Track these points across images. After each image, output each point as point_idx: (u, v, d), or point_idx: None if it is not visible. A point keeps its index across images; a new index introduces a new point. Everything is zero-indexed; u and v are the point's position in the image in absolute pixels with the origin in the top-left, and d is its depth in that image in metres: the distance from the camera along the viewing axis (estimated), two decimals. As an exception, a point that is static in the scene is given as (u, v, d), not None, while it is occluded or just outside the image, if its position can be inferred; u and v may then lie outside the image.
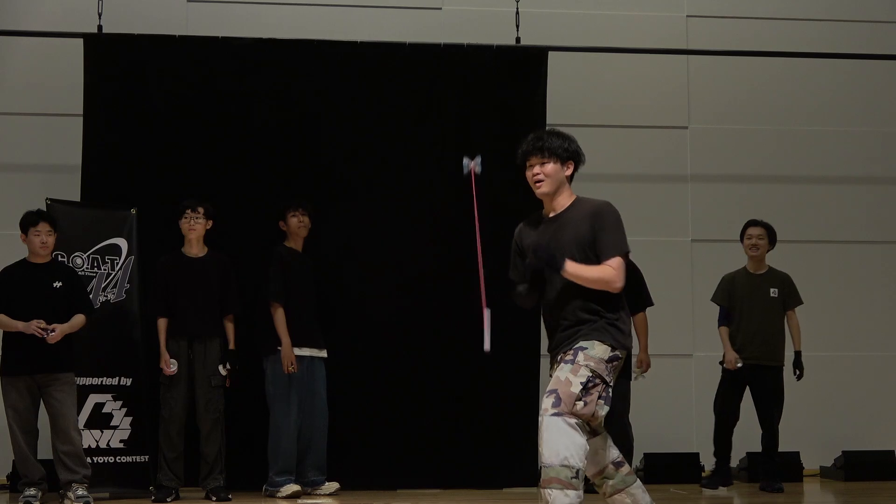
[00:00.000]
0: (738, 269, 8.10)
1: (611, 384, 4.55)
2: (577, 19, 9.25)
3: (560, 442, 4.39)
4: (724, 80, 9.42)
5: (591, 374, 4.47)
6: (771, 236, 8.01)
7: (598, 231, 4.63)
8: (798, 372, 7.86)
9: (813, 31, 9.48)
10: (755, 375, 7.84)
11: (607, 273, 4.57)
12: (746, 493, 7.82)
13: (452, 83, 8.36)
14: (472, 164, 4.82)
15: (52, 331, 6.79)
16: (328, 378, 7.63)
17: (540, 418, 4.48)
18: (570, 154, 4.76)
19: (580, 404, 4.43)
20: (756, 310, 7.88)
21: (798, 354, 7.87)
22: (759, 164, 9.44)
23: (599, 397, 4.48)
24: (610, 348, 4.55)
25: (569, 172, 4.78)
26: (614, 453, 4.70)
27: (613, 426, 7.77)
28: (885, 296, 9.43)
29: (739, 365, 7.85)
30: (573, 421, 4.41)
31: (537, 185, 4.76)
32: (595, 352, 4.52)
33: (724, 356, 7.90)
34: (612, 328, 4.60)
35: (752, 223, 8.04)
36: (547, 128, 4.88)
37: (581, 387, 4.44)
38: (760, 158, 9.45)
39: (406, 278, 8.12)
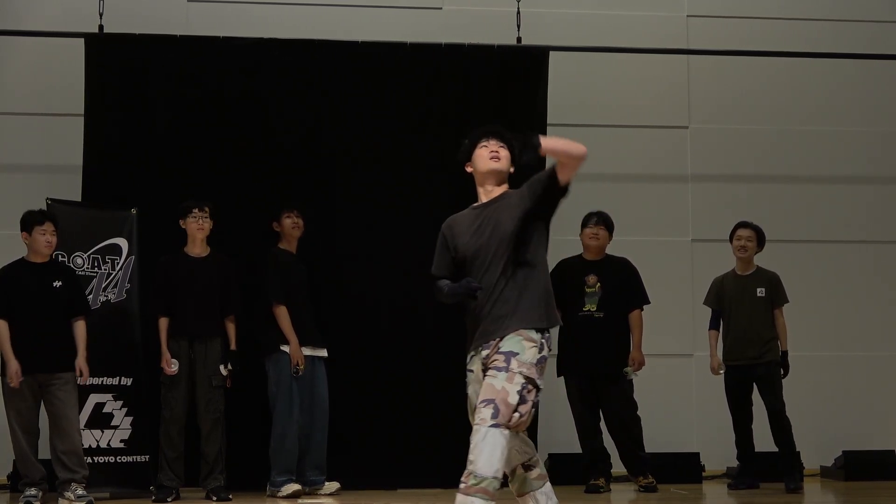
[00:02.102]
0: (728, 271, 8.11)
1: (542, 387, 4.53)
2: (577, 19, 9.25)
3: (496, 454, 4.38)
4: (724, 80, 9.42)
5: (524, 382, 4.44)
6: (760, 238, 8.04)
7: (530, 183, 4.66)
8: (783, 372, 7.87)
9: (813, 30, 9.48)
10: (752, 375, 7.86)
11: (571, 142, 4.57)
12: (745, 493, 7.81)
13: (453, 83, 8.37)
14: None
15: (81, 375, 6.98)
16: (328, 378, 7.63)
17: (477, 427, 4.43)
18: (516, 158, 4.75)
19: (516, 416, 4.42)
20: (743, 310, 7.91)
21: (784, 354, 7.87)
22: (760, 164, 9.44)
23: (533, 405, 4.48)
24: (538, 349, 4.51)
25: (511, 170, 4.81)
26: (526, 456, 4.68)
27: (617, 429, 7.83)
28: (886, 295, 9.42)
29: (722, 371, 7.92)
30: (507, 433, 4.41)
31: (493, 158, 4.74)
32: (526, 356, 4.47)
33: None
34: (537, 317, 4.55)
35: (742, 224, 8.07)
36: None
37: (517, 396, 4.42)
38: (761, 158, 9.45)
39: (406, 278, 8.11)
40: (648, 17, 9.39)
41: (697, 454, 8.61)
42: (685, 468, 8.46)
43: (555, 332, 7.77)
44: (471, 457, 4.43)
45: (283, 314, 7.44)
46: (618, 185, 9.12)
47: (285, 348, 7.42)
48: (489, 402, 4.42)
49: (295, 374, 7.39)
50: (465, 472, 4.41)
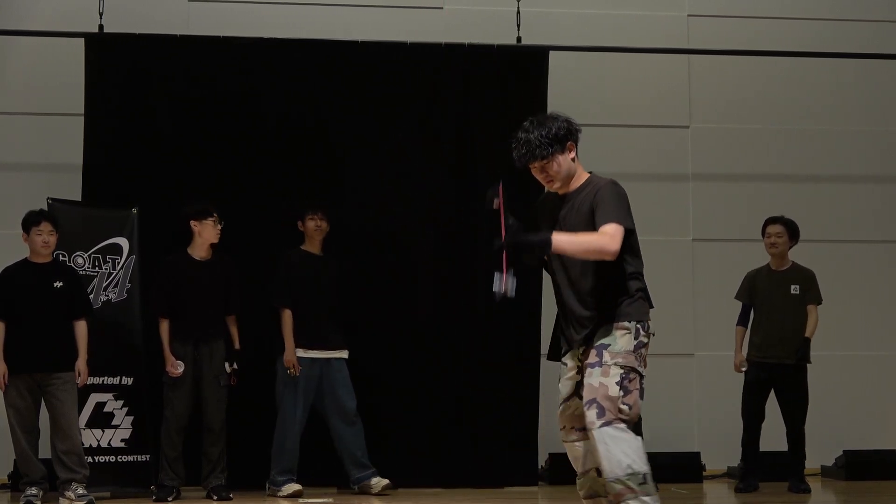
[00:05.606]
0: (762, 265, 8.05)
1: (644, 373, 4.38)
2: (578, 18, 9.25)
3: (618, 450, 4.25)
4: (725, 80, 9.41)
5: (623, 371, 4.30)
6: (791, 232, 7.94)
7: (595, 206, 4.37)
8: (802, 358, 7.79)
9: (814, 30, 9.48)
10: (777, 374, 7.78)
11: (598, 238, 4.27)
12: (749, 493, 7.80)
13: (453, 82, 8.37)
14: (505, 286, 4.21)
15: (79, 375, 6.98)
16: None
17: (588, 433, 4.32)
18: (561, 137, 4.46)
19: (625, 407, 4.29)
20: (776, 307, 7.82)
21: (807, 341, 7.77)
22: (761, 164, 9.43)
23: (640, 393, 4.34)
24: (633, 335, 4.35)
25: (572, 154, 4.50)
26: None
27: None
28: (887, 295, 9.41)
29: (744, 369, 7.86)
30: (623, 426, 4.28)
31: (549, 183, 4.54)
32: (619, 345, 4.33)
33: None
34: (628, 308, 4.37)
35: (771, 220, 7.98)
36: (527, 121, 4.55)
37: (618, 387, 4.28)
38: (761, 157, 9.44)
39: (405, 278, 8.12)
40: (649, 17, 9.38)
41: (698, 454, 8.60)
42: (686, 468, 8.45)
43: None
44: (601, 465, 4.32)
45: (285, 318, 7.46)
46: (618, 184, 9.10)
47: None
48: (591, 402, 4.30)
49: (293, 377, 7.39)
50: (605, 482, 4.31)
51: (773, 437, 7.94)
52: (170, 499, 7.15)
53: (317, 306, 7.55)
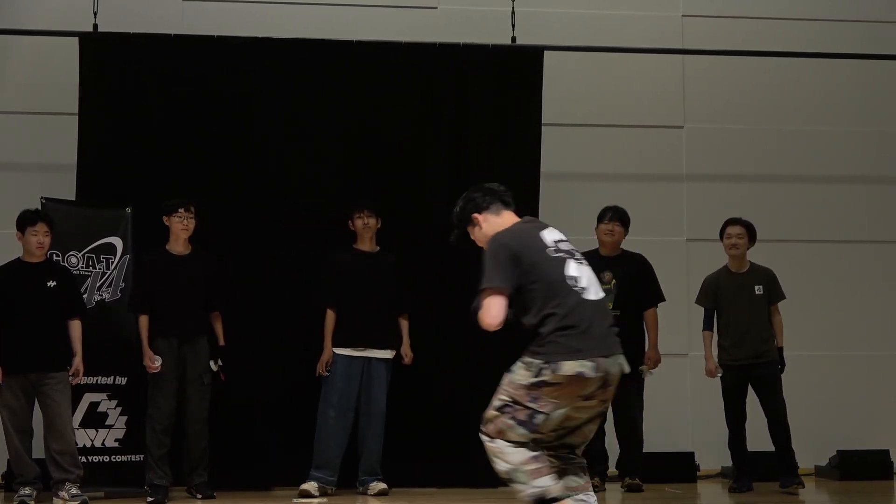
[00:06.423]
0: (720, 268, 8.06)
1: (538, 409, 4.52)
2: (572, 18, 9.26)
3: (492, 460, 4.60)
4: (719, 80, 9.43)
5: (508, 400, 4.56)
6: (751, 234, 7.94)
7: None
8: (780, 367, 7.83)
9: (809, 30, 9.49)
10: (752, 374, 7.80)
11: (479, 313, 4.78)
12: (745, 493, 7.81)
13: (448, 82, 8.36)
14: None
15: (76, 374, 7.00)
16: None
17: None
18: (463, 219, 5.07)
19: (490, 426, 4.59)
20: (743, 309, 7.82)
21: (780, 350, 7.81)
22: (755, 164, 9.45)
23: (513, 418, 4.53)
24: (532, 373, 4.56)
25: (482, 225, 5.01)
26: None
27: (625, 428, 7.84)
28: (882, 295, 9.43)
29: (719, 374, 7.86)
30: (486, 439, 4.60)
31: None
32: (516, 376, 4.60)
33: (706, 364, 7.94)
34: (536, 347, 4.63)
35: (731, 222, 7.97)
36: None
37: (494, 410, 4.59)
38: (756, 158, 9.46)
39: (401, 277, 8.10)
40: (644, 17, 9.39)
41: (692, 454, 8.61)
42: (680, 468, 8.46)
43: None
44: None
45: (327, 317, 7.58)
46: (613, 184, 9.11)
47: (334, 349, 7.54)
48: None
49: (327, 374, 7.52)
50: None
51: (768, 437, 7.93)
52: (166, 501, 7.10)
53: (360, 304, 7.58)
